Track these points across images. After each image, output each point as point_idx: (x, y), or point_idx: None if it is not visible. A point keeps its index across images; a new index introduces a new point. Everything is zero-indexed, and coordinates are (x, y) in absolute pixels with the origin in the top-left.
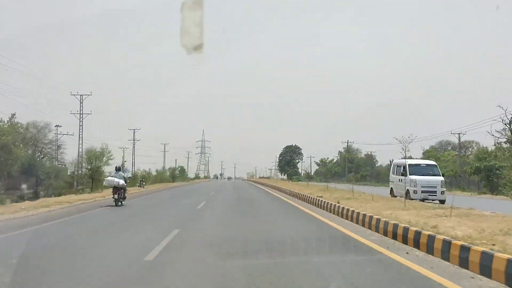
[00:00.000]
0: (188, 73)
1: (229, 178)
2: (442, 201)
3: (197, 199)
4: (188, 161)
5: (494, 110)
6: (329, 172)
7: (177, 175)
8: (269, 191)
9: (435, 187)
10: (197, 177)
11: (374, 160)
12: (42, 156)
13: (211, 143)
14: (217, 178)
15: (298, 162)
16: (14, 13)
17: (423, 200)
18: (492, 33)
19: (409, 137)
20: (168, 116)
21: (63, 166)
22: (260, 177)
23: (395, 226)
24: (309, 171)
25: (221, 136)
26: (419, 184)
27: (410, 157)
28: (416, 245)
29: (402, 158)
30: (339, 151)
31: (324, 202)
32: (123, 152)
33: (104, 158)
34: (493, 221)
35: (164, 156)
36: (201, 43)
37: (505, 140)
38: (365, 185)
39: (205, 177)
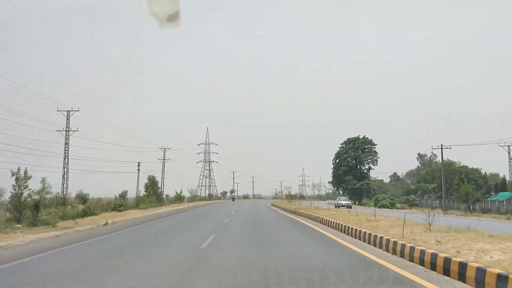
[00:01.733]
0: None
1: (245, 197)
2: None
3: None
4: (163, 168)
5: None
6: None
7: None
8: None
9: None
10: (180, 198)
11: None
12: None
13: (219, 147)
14: (233, 199)
15: (369, 168)
16: None
17: None
18: None
19: None
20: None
21: None
22: (287, 196)
23: None
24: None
25: (231, 139)
26: None
27: None
28: None
29: None
30: None
31: None
32: None
33: None
34: None
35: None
36: (177, 11)
37: None
38: None
39: (210, 197)
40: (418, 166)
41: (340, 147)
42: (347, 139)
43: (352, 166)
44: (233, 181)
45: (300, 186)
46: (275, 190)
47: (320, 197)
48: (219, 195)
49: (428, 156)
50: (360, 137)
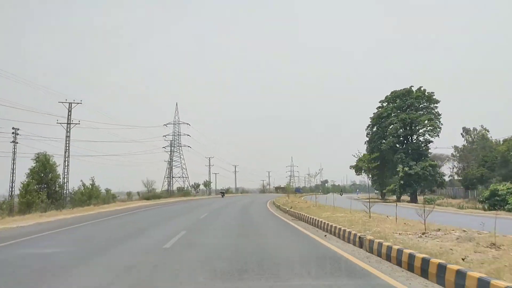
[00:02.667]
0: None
1: (225, 191)
2: None
3: None
4: (67, 143)
5: None
6: None
7: None
8: None
9: None
10: (91, 194)
11: None
12: None
13: (192, 128)
14: (223, 194)
15: (426, 141)
16: None
17: None
18: None
19: None
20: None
21: None
22: (277, 188)
23: None
24: None
25: (207, 123)
26: None
27: None
28: None
29: None
30: None
31: None
32: None
33: None
34: None
35: None
36: None
37: None
38: None
39: (180, 191)
40: (463, 144)
41: (379, 108)
42: (392, 93)
43: (400, 138)
44: (209, 170)
45: (289, 177)
46: (262, 182)
47: (311, 190)
48: (189, 188)
49: (477, 131)
50: (414, 88)
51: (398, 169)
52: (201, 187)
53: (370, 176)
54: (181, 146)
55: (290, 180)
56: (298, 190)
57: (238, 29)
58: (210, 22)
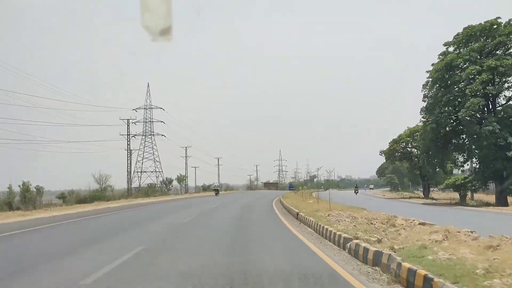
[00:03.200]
0: None
1: (206, 188)
2: None
3: None
4: None
5: None
6: None
7: None
8: None
9: None
10: None
11: None
12: None
13: (166, 114)
14: (217, 191)
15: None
16: None
17: None
18: None
19: None
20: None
21: None
22: (265, 184)
23: None
24: None
25: (185, 109)
26: None
27: None
28: None
29: None
30: None
31: None
32: None
33: None
34: None
35: None
36: (170, 26)
37: None
38: None
39: (150, 188)
40: None
41: (442, 54)
42: (465, 29)
43: (482, 98)
44: (186, 162)
45: (279, 171)
46: (249, 178)
47: (300, 185)
48: (160, 185)
49: None
50: (502, 21)
51: (482, 146)
52: (175, 183)
53: (420, 161)
54: (153, 134)
55: (279, 175)
56: (291, 187)
57: (238, 29)
58: (210, 22)
